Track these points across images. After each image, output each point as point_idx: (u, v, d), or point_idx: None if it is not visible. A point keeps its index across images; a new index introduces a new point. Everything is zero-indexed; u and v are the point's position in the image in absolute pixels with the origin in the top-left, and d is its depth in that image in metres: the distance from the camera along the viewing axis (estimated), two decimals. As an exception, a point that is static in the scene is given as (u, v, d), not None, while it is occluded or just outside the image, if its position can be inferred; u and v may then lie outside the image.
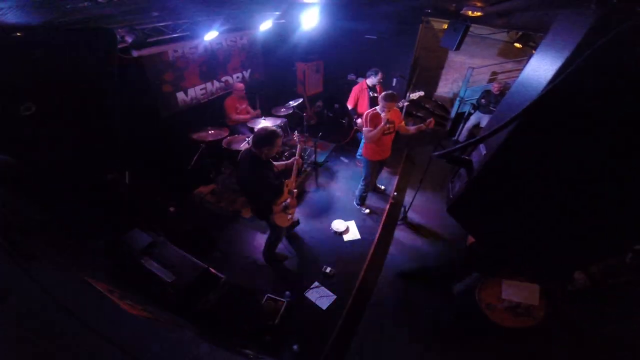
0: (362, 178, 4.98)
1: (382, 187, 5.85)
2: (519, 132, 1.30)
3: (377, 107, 4.29)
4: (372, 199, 5.53)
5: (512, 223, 1.62)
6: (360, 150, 6.13)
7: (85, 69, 2.64)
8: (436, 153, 1.63)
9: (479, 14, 4.74)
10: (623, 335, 3.24)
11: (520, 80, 1.62)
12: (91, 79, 2.74)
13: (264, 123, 5.28)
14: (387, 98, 4.03)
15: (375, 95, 5.58)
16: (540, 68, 1.37)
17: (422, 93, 5.36)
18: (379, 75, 5.45)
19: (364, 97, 5.60)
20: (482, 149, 1.60)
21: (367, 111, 4.29)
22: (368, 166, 4.76)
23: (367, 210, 5.29)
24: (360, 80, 6.12)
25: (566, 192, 1.37)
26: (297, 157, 3.64)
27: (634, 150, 1.17)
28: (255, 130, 3.03)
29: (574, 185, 1.34)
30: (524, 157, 1.37)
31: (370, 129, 4.20)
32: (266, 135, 3.01)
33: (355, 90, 5.68)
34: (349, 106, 5.82)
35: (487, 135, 1.39)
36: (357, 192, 5.25)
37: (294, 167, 3.58)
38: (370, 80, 5.50)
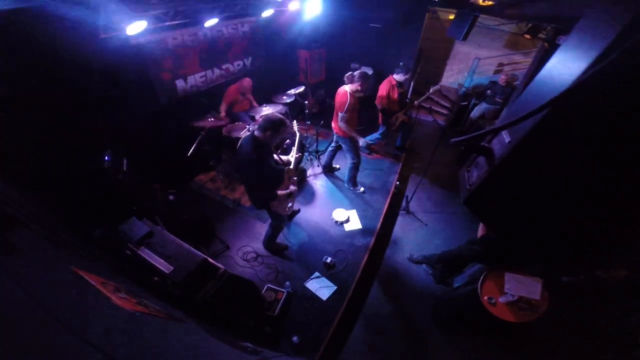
0: (351, 158, 4.96)
1: (337, 166, 5.91)
2: (550, 120, 1.24)
3: (345, 89, 4.33)
4: (374, 190, 5.50)
5: (532, 215, 1.57)
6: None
7: (67, 55, 2.59)
8: (454, 140, 1.55)
9: (490, 3, 4.64)
10: (623, 330, 3.23)
11: (546, 72, 1.56)
12: (73, 66, 2.69)
13: (266, 110, 5.21)
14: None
15: (402, 91, 5.48)
16: (568, 61, 1.32)
17: (438, 87, 5.39)
18: (410, 75, 5.29)
19: (395, 94, 5.40)
20: (505, 136, 1.53)
21: (344, 98, 4.29)
22: (352, 144, 4.79)
23: (362, 189, 5.37)
24: (354, 65, 5.94)
25: (591, 186, 1.32)
26: (295, 149, 3.61)
27: None
28: (259, 117, 2.97)
29: (599, 180, 1.30)
30: (552, 146, 1.31)
31: (348, 115, 4.34)
32: (277, 121, 2.97)
33: (384, 88, 5.42)
34: (380, 107, 5.54)
35: (513, 122, 1.33)
36: (347, 175, 5.28)
37: (294, 159, 3.54)
38: (399, 77, 5.29)
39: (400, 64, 5.32)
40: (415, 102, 5.53)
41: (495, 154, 1.57)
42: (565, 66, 1.35)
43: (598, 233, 1.49)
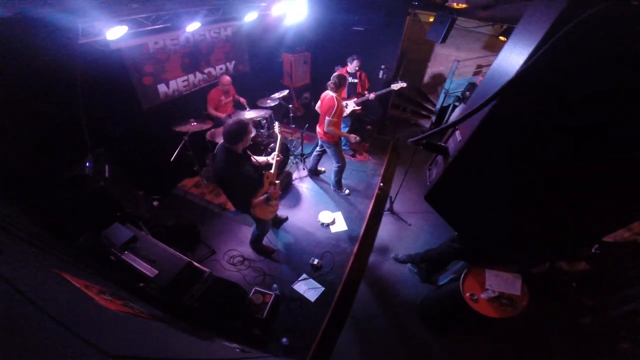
0: (336, 162, 5.06)
1: (323, 169, 5.98)
2: (493, 116, 1.29)
3: (330, 94, 4.42)
4: (358, 192, 5.55)
5: (486, 210, 1.63)
6: (345, 141, 6.15)
7: (45, 60, 2.56)
8: (411, 140, 1.62)
9: (463, 5, 4.76)
10: (600, 326, 3.34)
11: (492, 69, 1.62)
12: (52, 71, 2.66)
13: (250, 114, 5.22)
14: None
15: (356, 81, 5.79)
16: (512, 55, 1.37)
17: (404, 84, 5.47)
18: (355, 62, 5.58)
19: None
20: (458, 135, 1.60)
21: (331, 103, 4.37)
22: (337, 148, 4.90)
23: (347, 191, 5.47)
24: (337, 68, 6.10)
25: (540, 179, 1.37)
26: (277, 152, 3.59)
27: (606, 132, 1.17)
28: (225, 125, 2.96)
29: (547, 173, 1.34)
30: (497, 142, 1.36)
31: (336, 119, 4.43)
32: (237, 130, 2.94)
33: None
34: None
35: (459, 120, 1.39)
36: (333, 178, 5.36)
37: (275, 162, 3.53)
38: (351, 67, 5.66)
39: (353, 55, 5.62)
40: (372, 94, 5.68)
41: (450, 153, 1.63)
42: (507, 61, 1.40)
43: (554, 227, 1.55)
